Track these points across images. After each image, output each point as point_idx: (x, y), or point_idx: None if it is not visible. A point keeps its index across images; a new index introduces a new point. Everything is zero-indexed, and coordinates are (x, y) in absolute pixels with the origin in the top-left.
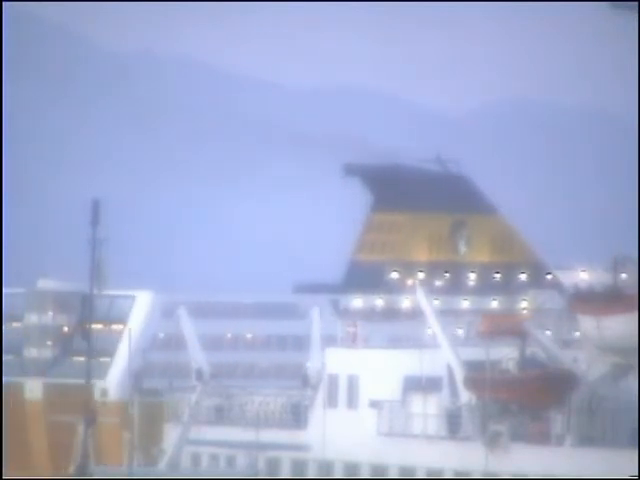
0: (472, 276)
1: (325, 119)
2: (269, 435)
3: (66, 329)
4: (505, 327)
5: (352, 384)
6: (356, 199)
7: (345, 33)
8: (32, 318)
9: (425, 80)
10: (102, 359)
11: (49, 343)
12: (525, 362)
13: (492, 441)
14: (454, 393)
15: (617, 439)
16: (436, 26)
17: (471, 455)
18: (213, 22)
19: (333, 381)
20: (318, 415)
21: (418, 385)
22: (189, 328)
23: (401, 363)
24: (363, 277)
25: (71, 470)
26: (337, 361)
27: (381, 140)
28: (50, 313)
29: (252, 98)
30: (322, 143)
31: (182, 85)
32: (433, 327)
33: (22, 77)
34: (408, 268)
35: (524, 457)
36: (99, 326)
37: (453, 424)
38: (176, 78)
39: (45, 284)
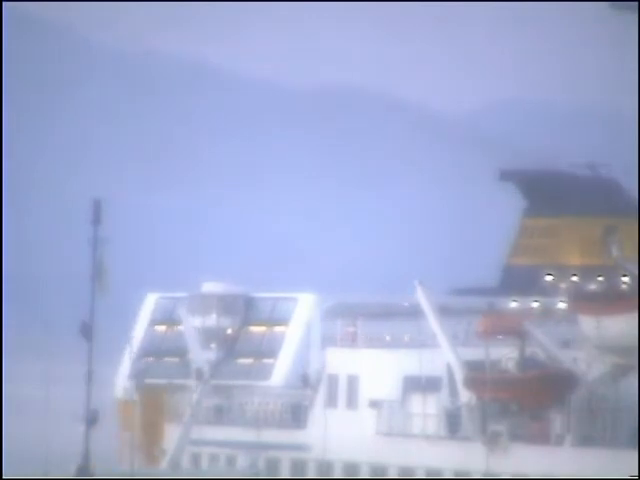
0: (626, 279)
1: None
2: (269, 435)
3: (230, 331)
4: (505, 327)
5: (352, 384)
6: (510, 203)
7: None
8: (196, 321)
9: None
10: (265, 360)
11: (213, 346)
12: (525, 362)
13: (492, 441)
14: (454, 393)
15: (617, 439)
16: (438, 26)
17: (471, 455)
18: (217, 23)
19: (333, 381)
20: (318, 415)
21: (418, 385)
22: (189, 327)
23: (401, 363)
24: (518, 280)
25: (72, 470)
26: (337, 361)
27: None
28: (214, 316)
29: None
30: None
31: (186, 86)
32: (433, 327)
33: (23, 78)
34: (562, 271)
35: (524, 457)
36: (262, 328)
37: (453, 424)
38: (179, 78)
39: (209, 287)
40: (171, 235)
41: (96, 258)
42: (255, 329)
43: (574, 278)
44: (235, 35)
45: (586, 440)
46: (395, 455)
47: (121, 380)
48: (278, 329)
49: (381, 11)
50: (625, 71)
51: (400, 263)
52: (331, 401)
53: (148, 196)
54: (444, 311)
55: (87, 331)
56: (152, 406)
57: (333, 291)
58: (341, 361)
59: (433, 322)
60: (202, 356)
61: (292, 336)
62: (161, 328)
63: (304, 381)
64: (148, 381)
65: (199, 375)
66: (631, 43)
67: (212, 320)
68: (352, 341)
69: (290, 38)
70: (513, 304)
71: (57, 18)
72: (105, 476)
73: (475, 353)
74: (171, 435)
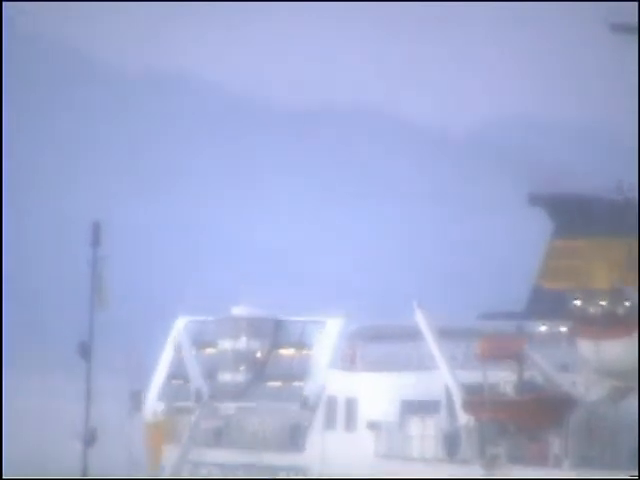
0: None
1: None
2: (267, 456)
3: (259, 354)
4: (503, 350)
5: (350, 406)
6: (535, 226)
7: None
8: (226, 344)
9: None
10: (295, 383)
11: (242, 368)
12: (523, 385)
13: (490, 463)
14: (452, 415)
15: (615, 460)
16: (438, 28)
17: (469, 477)
18: (219, 36)
19: (332, 403)
20: (316, 437)
21: (416, 407)
22: (188, 348)
23: (399, 385)
24: (546, 303)
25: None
26: (336, 383)
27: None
28: (244, 339)
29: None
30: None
31: (185, 101)
32: (432, 349)
33: (22, 94)
34: (590, 295)
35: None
36: (291, 351)
37: (451, 446)
38: (179, 94)
39: (238, 311)
40: (169, 252)
41: (95, 277)
42: (284, 352)
43: (602, 302)
44: (234, 50)
45: (585, 461)
46: (393, 477)
47: (150, 403)
48: (307, 352)
49: (383, 19)
50: (626, 91)
51: (399, 283)
52: (330, 423)
53: (147, 213)
54: (444, 333)
55: (85, 351)
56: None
57: (331, 311)
58: (340, 383)
59: (432, 344)
60: (201, 379)
61: (320, 359)
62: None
63: (303, 403)
64: (177, 404)
65: (198, 397)
66: (632, 62)
67: (242, 343)
68: (351, 363)
69: (284, 48)
70: (542, 328)
71: (57, 34)
72: (104, 476)
73: (473, 376)
74: (170, 456)
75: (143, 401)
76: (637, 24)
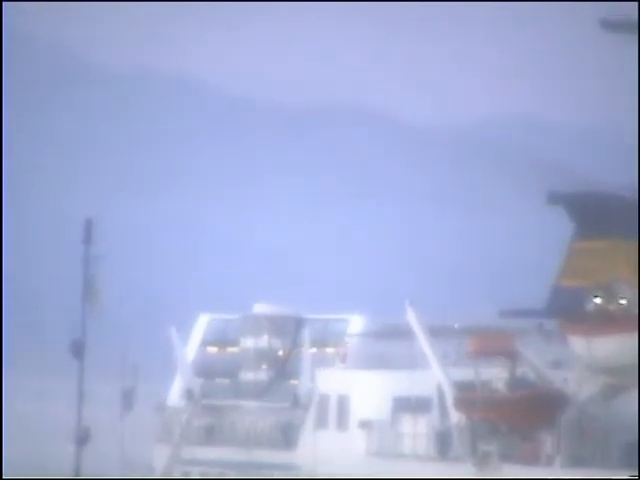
0: None
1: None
2: (259, 455)
3: (281, 353)
4: (495, 347)
5: (342, 404)
6: (556, 226)
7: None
8: (248, 342)
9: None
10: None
11: (264, 367)
12: (515, 382)
13: (482, 462)
14: (444, 413)
15: (607, 459)
16: (436, 42)
17: (461, 476)
18: (219, 36)
19: (323, 401)
20: (308, 435)
21: (408, 405)
22: (180, 348)
23: (391, 383)
24: (566, 302)
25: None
26: (328, 381)
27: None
28: (265, 337)
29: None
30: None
31: (185, 101)
32: (423, 348)
33: (22, 94)
34: (610, 294)
35: (514, 477)
36: (314, 349)
37: (443, 445)
38: (179, 94)
39: (260, 308)
40: (169, 252)
41: (87, 276)
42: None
43: (622, 301)
44: (234, 50)
45: (576, 461)
46: (385, 475)
47: (172, 400)
48: (329, 350)
49: (383, 19)
50: (625, 92)
51: (399, 283)
52: (321, 421)
53: (147, 213)
54: (436, 332)
55: (78, 350)
56: None
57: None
58: (332, 381)
59: (424, 343)
60: (193, 377)
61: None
62: (212, 349)
63: (294, 401)
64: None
65: (189, 395)
66: (631, 62)
67: (264, 341)
68: (342, 361)
69: (284, 48)
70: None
71: (54, 37)
72: (101, 476)
73: (466, 373)
74: (161, 455)
75: (135, 400)
76: (628, 21)
